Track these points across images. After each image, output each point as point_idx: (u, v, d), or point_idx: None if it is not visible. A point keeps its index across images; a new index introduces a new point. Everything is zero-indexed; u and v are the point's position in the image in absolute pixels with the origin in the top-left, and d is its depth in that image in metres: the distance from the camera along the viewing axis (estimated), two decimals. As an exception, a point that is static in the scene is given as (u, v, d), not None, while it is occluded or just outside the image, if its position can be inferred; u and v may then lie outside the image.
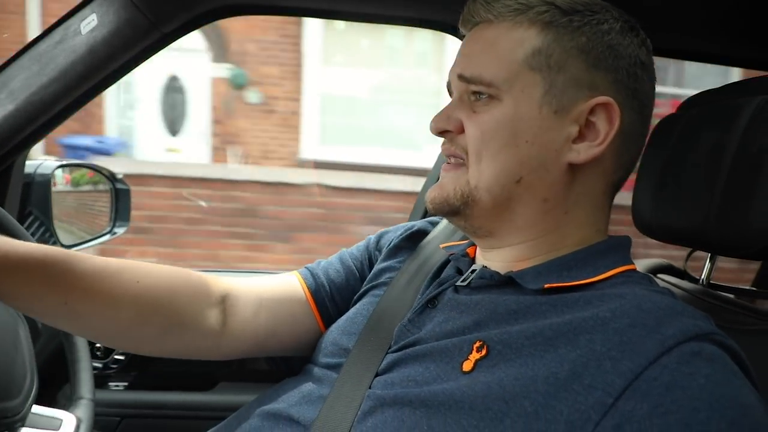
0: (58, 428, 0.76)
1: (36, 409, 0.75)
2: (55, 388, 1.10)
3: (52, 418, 0.77)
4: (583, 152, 0.61)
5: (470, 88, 0.63)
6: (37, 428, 0.74)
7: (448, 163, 0.67)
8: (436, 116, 0.66)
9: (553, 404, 0.49)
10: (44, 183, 1.20)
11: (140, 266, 0.71)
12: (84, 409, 0.82)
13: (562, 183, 0.62)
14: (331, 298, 0.81)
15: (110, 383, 1.17)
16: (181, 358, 0.77)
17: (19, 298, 0.63)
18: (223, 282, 0.78)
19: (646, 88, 0.64)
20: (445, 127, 0.65)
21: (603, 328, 0.51)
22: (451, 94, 0.67)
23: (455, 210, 0.64)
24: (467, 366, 0.56)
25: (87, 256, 0.68)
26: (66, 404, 0.82)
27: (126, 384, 1.18)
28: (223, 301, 0.76)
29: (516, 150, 0.61)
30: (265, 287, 0.80)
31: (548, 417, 0.48)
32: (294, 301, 0.80)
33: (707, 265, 0.86)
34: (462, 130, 0.64)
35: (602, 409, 0.47)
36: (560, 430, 0.48)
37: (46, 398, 0.82)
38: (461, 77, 0.64)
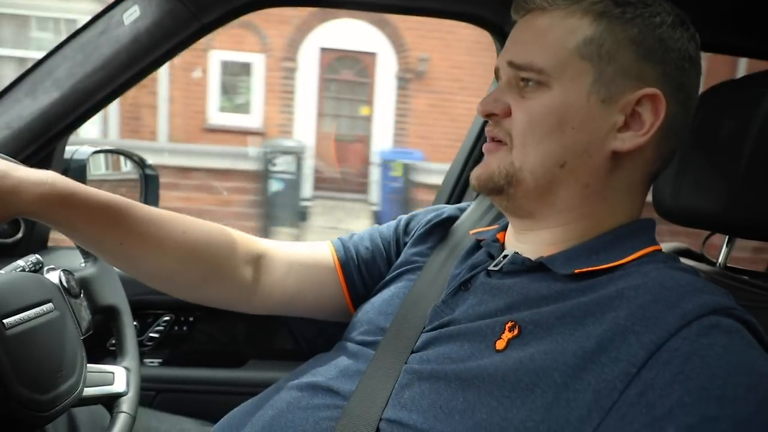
0: (112, 382, 0.83)
1: (88, 367, 0.80)
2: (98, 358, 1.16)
3: (105, 372, 0.84)
4: (627, 141, 0.62)
5: (520, 75, 0.64)
6: (94, 386, 0.81)
7: (490, 143, 0.68)
8: (483, 99, 0.68)
9: (581, 375, 0.52)
10: (80, 169, 1.23)
11: (188, 219, 0.78)
12: (131, 360, 0.88)
13: (604, 169, 0.63)
14: (359, 271, 0.85)
15: (145, 360, 1.22)
16: (217, 308, 0.84)
17: (81, 233, 0.71)
18: (261, 243, 0.84)
19: (693, 82, 0.65)
20: (492, 110, 0.66)
21: (627, 305, 0.55)
22: (498, 78, 0.69)
23: (499, 188, 0.66)
24: (500, 345, 0.59)
25: (142, 205, 0.74)
26: (112, 361, 0.89)
27: (160, 360, 1.23)
28: (259, 260, 0.82)
29: (562, 135, 0.62)
30: (299, 252, 0.86)
31: (577, 387, 0.52)
32: (323, 268, 0.85)
33: (724, 248, 0.89)
34: (508, 114, 0.65)
35: (627, 379, 0.50)
36: (588, 399, 0.51)
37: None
38: (512, 64, 0.65)
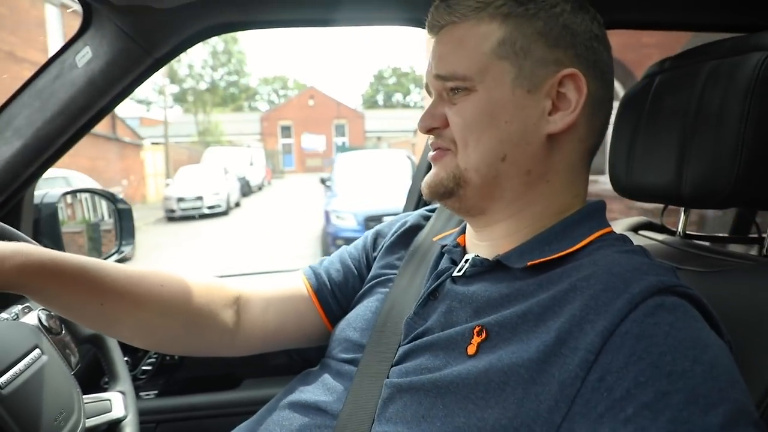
0: (111, 409, 0.85)
1: (84, 398, 0.82)
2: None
3: (101, 400, 0.86)
4: (559, 122, 0.67)
5: (447, 85, 0.69)
6: (95, 416, 0.83)
7: (435, 152, 0.72)
8: (422, 117, 0.72)
9: (545, 369, 0.55)
10: (52, 213, 1.23)
11: (162, 272, 0.79)
12: (124, 383, 0.89)
13: (542, 154, 0.68)
14: (333, 296, 0.88)
15: (141, 393, 1.23)
16: (201, 356, 0.86)
17: (62, 301, 0.71)
18: (235, 285, 0.86)
19: (604, 57, 0.70)
20: (432, 125, 0.71)
21: (581, 296, 0.58)
22: (430, 94, 0.73)
23: (449, 191, 0.70)
24: (471, 350, 0.62)
25: (116, 264, 0.75)
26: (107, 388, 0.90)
27: (156, 392, 1.24)
28: (236, 302, 0.84)
29: (497, 131, 0.67)
30: (273, 288, 0.88)
31: (543, 380, 0.55)
32: (298, 299, 0.87)
33: (682, 217, 0.94)
34: (447, 124, 0.70)
35: (587, 366, 0.53)
36: (554, 390, 0.54)
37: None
38: (438, 77, 0.70)
